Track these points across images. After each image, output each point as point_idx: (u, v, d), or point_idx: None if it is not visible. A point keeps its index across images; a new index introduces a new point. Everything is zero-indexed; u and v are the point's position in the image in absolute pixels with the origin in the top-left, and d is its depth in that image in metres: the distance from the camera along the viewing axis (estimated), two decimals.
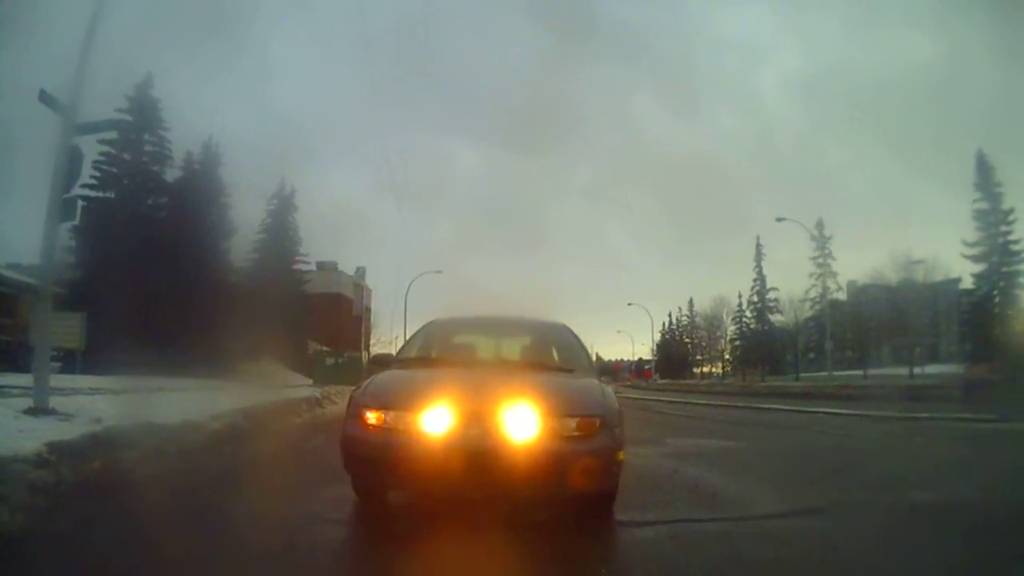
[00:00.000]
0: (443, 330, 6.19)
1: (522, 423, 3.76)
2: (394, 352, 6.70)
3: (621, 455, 4.02)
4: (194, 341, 22.49)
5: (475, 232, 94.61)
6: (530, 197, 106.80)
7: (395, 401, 4.06)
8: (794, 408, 17.60)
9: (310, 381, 27.37)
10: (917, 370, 46.84)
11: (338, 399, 13.64)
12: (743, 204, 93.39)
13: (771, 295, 61.41)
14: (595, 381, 4.69)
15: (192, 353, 20.39)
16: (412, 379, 4.60)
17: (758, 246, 61.63)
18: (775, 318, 61.13)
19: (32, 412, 6.41)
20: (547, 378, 4.59)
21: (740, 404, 20.53)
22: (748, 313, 64.12)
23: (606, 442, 3.87)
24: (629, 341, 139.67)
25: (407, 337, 6.70)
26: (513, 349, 6.14)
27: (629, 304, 64.48)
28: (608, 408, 4.06)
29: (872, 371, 51.38)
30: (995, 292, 41.15)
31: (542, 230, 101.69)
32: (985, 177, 41.10)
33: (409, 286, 41.61)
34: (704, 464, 6.71)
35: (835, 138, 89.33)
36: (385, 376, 4.78)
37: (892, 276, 49.96)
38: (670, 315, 79.98)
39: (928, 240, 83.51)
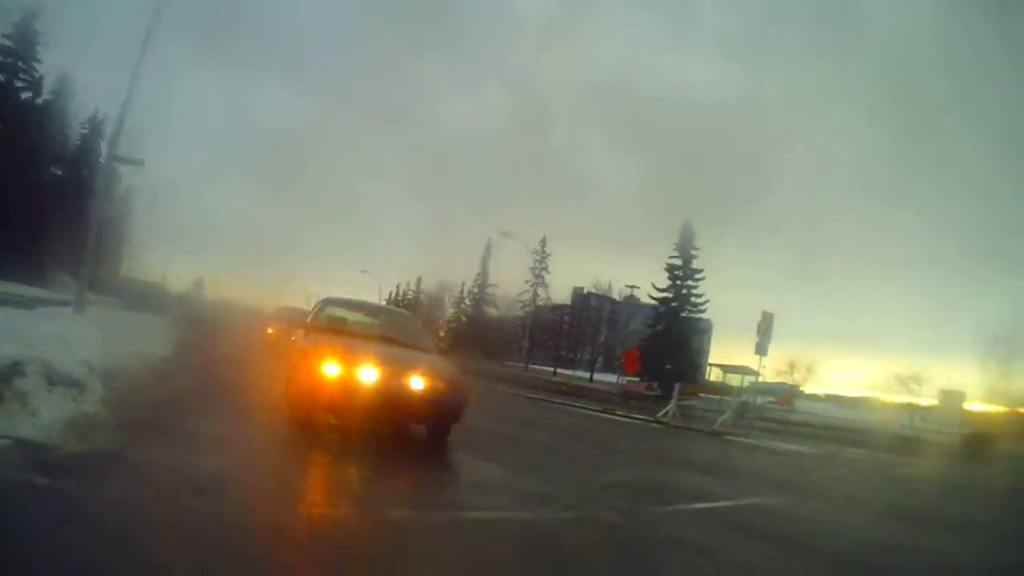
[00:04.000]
0: (339, 308, 9.81)
1: (418, 381, 7.07)
2: None
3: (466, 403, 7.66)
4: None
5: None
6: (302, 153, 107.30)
7: (344, 360, 6.86)
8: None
9: None
10: (599, 376, 58.31)
11: None
12: (500, 202, 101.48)
13: (490, 290, 71.09)
14: (447, 359, 8.69)
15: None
16: (351, 345, 7.39)
17: (487, 246, 70.32)
18: (490, 311, 70.93)
19: None
20: (424, 355, 8.07)
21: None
22: (467, 301, 73.59)
23: (461, 395, 7.47)
24: None
25: None
26: (391, 329, 9.07)
27: (362, 271, 65.33)
28: (459, 376, 7.75)
29: (562, 371, 62.05)
30: (671, 328, 52.61)
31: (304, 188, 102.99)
32: (686, 239, 52.43)
33: None
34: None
35: (614, 154, 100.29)
36: (330, 340, 7.69)
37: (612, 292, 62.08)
38: (397, 287, 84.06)
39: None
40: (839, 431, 24.38)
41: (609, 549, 4.73)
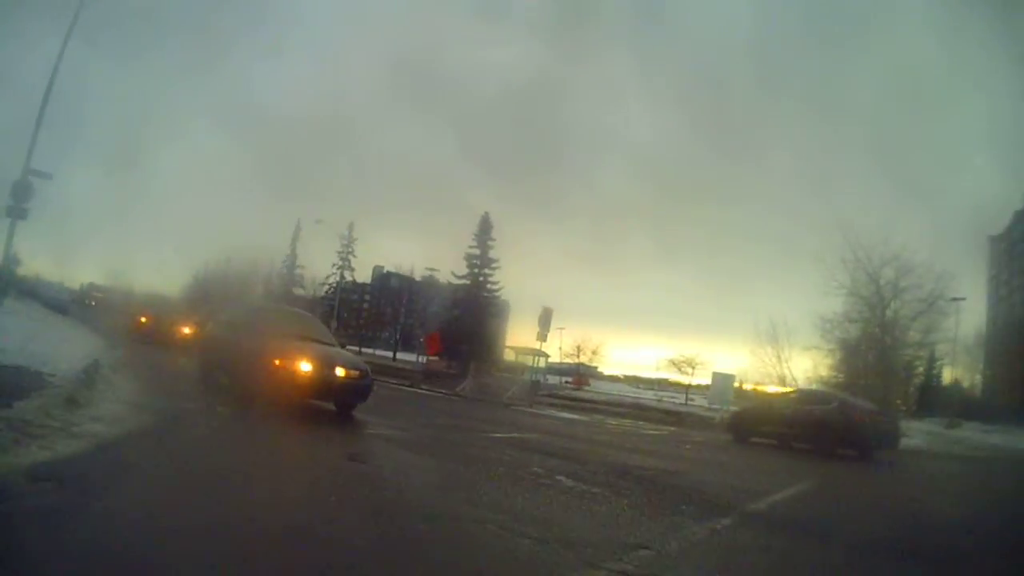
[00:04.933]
0: (266, 310, 13.65)
1: (342, 370, 10.49)
2: None
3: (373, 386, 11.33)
4: None
5: None
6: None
7: (290, 355, 10.11)
8: None
9: None
10: (400, 355, 62.31)
11: None
12: (313, 184, 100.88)
13: (298, 271, 72.83)
14: (354, 351, 13.40)
15: None
16: (295, 344, 10.45)
17: (296, 228, 71.84)
18: (297, 291, 72.62)
19: None
20: (339, 350, 11.94)
21: None
22: (276, 281, 74.59)
23: (369, 380, 11.03)
24: None
25: None
26: (307, 328, 12.07)
27: (175, 249, 64.35)
28: (366, 365, 11.40)
29: (365, 349, 65.46)
30: (468, 313, 57.80)
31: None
32: (484, 231, 57.86)
33: None
34: None
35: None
36: (283, 342, 10.40)
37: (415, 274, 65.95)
38: (205, 265, 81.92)
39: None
40: (616, 406, 29.69)
41: (449, 447, 9.49)
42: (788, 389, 29.85)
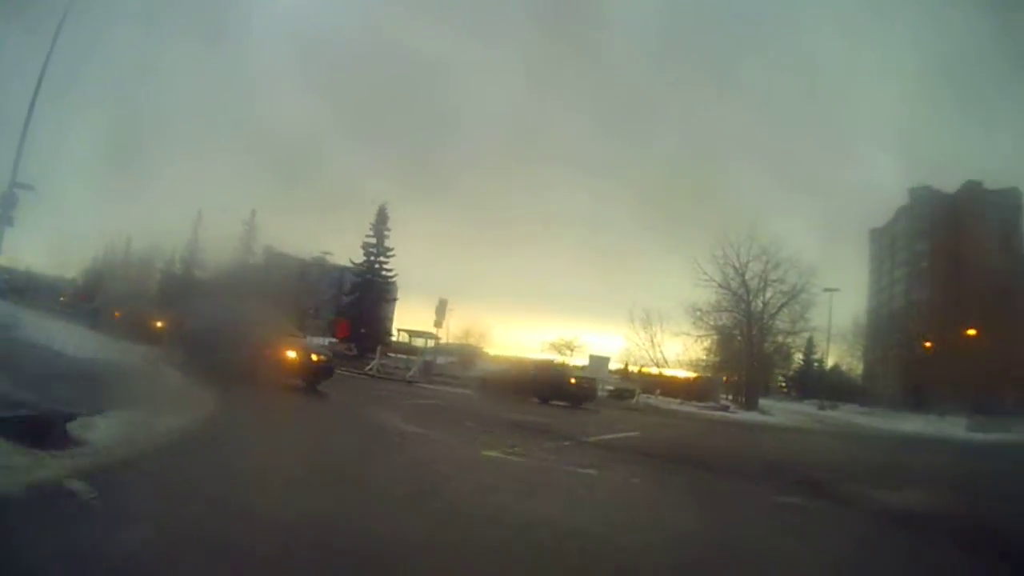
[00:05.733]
0: (249, 310, 18.38)
1: (316, 356, 16.71)
2: None
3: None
4: None
5: None
6: None
7: (282, 347, 15.70)
8: None
9: None
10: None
11: None
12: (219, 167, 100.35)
13: (200, 255, 74.74)
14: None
15: None
16: (283, 338, 16.27)
17: (199, 213, 73.70)
18: (198, 273, 74.54)
19: None
20: (310, 340, 19.07)
21: None
22: (178, 263, 76.09)
23: (332, 364, 17.40)
24: None
25: None
26: (282, 325, 17.88)
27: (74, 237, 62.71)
28: (329, 352, 18.44)
29: None
30: (365, 298, 62.23)
31: None
32: (381, 221, 62.31)
33: None
34: None
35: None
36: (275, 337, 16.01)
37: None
38: (105, 249, 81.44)
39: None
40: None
41: (387, 406, 14.73)
42: (525, 358, 35.55)
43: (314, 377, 15.56)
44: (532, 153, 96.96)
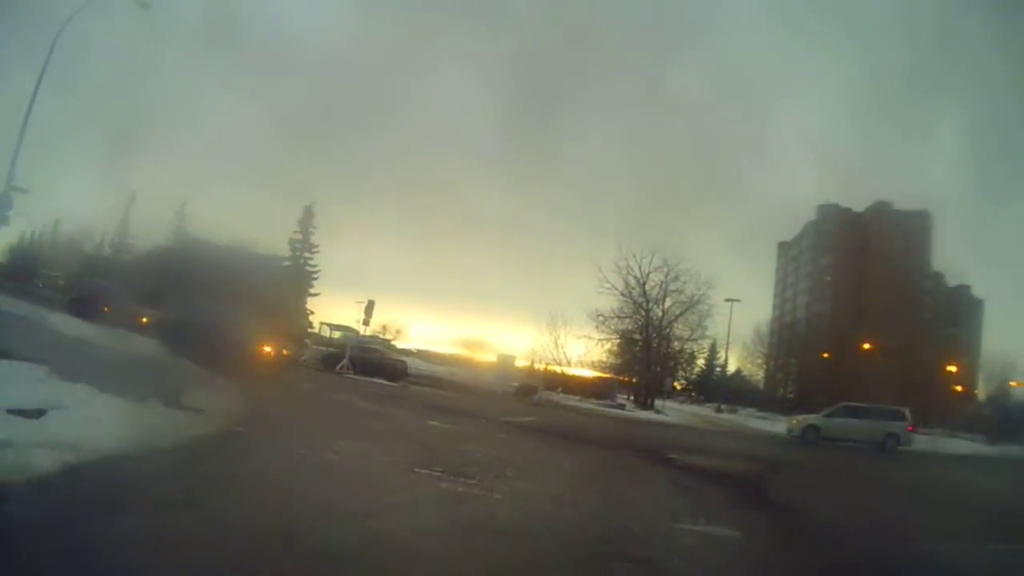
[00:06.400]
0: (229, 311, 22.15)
1: (286, 350, 21.93)
2: None
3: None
4: None
5: None
6: None
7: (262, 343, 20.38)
8: None
9: None
10: None
11: None
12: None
13: (129, 240, 75.38)
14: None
15: None
16: (261, 335, 20.80)
17: (130, 198, 74.30)
18: (126, 258, 75.13)
19: None
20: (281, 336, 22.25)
21: None
22: (108, 248, 76.48)
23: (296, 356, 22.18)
24: None
25: None
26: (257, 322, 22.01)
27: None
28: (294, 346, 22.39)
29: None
30: (291, 294, 64.76)
31: None
32: (306, 219, 64.95)
33: None
34: None
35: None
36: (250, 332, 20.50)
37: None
38: (32, 233, 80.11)
39: None
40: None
41: (337, 389, 18.74)
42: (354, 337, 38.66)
43: (285, 367, 19.28)
44: (456, 154, 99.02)
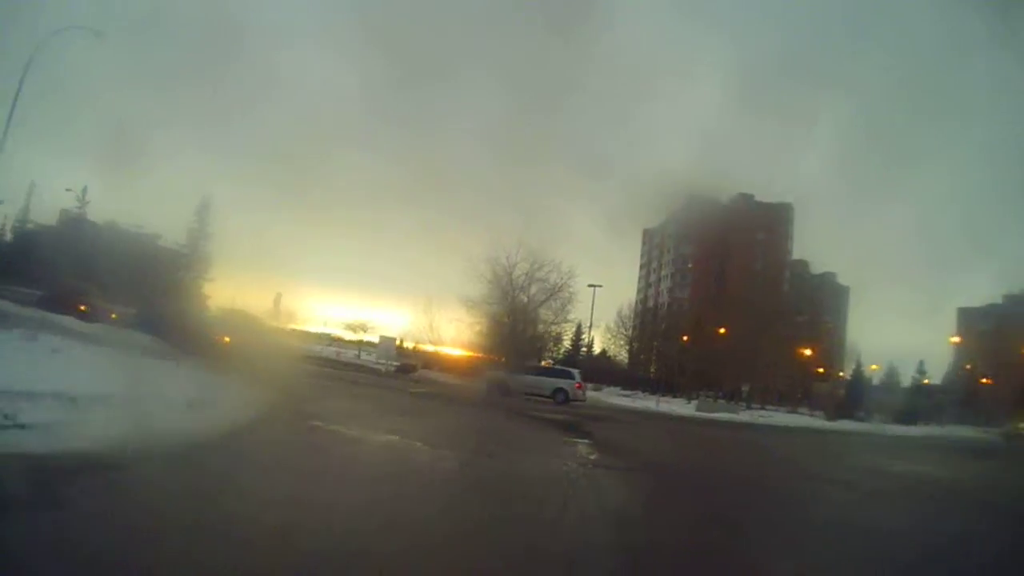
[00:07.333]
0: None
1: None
2: None
3: None
4: None
5: None
6: None
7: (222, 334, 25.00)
8: None
9: None
10: None
11: None
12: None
13: (29, 225, 74.64)
14: None
15: None
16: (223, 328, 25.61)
17: (31, 186, 73.71)
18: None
19: None
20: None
21: None
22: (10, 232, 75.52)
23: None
24: None
25: None
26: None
27: None
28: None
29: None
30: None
31: None
32: (203, 210, 67.11)
33: None
34: None
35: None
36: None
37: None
38: None
39: None
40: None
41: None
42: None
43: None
44: (342, 137, 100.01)
